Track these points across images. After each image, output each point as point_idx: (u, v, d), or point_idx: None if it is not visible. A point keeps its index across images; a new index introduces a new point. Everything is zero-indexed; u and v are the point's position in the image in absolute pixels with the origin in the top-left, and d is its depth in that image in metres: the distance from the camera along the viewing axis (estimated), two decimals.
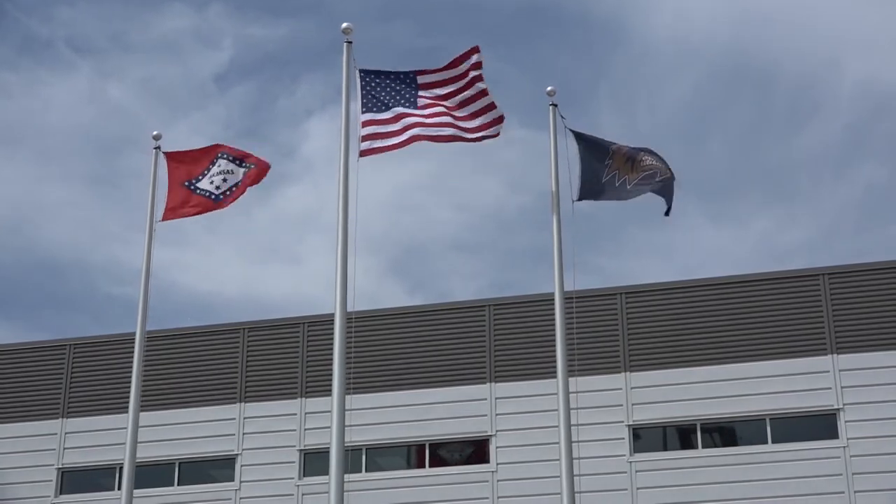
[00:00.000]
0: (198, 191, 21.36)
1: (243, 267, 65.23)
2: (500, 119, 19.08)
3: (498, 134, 19.13)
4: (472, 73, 19.11)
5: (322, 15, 70.36)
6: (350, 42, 19.10)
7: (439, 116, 18.92)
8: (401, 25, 69.86)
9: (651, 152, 20.79)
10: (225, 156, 21.44)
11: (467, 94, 19.09)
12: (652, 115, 66.77)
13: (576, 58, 69.98)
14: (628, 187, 20.59)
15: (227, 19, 72.45)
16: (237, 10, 72.49)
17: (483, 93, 19.09)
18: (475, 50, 19.24)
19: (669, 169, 20.92)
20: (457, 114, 19.01)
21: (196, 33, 72.37)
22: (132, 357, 21.47)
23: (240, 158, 21.42)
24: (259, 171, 21.24)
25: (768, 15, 63.08)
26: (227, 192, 21.23)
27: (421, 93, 19.06)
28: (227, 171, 21.31)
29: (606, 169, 20.45)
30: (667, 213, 21.37)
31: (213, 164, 21.43)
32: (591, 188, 20.44)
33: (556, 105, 20.74)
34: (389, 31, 67.16)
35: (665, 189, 21.13)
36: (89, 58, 73.04)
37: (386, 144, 18.66)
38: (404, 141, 18.75)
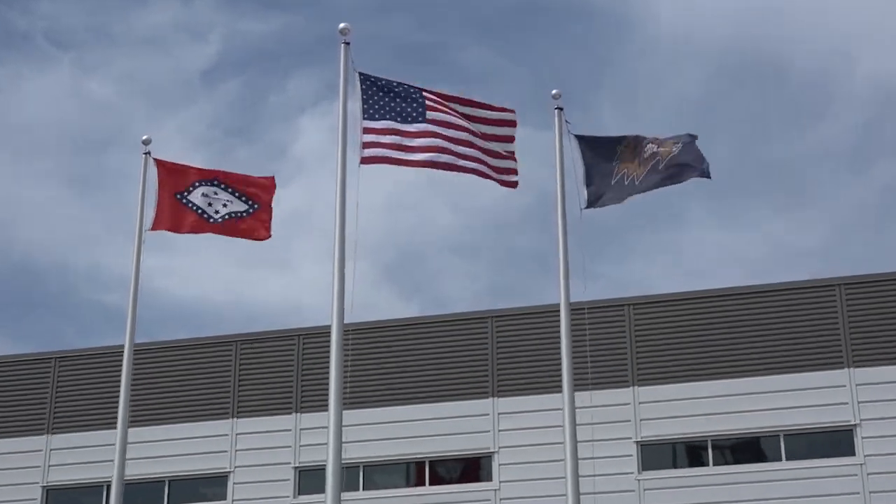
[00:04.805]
0: (189, 204, 21.41)
1: (231, 271, 65.22)
2: (515, 171, 19.33)
3: (516, 183, 19.36)
4: (501, 126, 19.32)
5: (315, 8, 70.43)
6: (348, 43, 19.11)
7: (457, 144, 18.97)
8: (397, 20, 69.95)
9: (655, 138, 20.66)
10: (220, 185, 21.52)
11: (487, 129, 19.24)
12: (656, 111, 66.83)
13: (577, 52, 70.09)
14: (637, 183, 20.48)
15: (214, 12, 72.47)
16: (225, 3, 72.55)
17: (507, 139, 19.30)
18: (505, 110, 19.46)
19: (680, 141, 20.67)
20: (476, 142, 19.12)
21: (182, 26, 72.40)
22: (120, 371, 21.45)
23: (239, 191, 21.49)
24: (261, 220, 21.34)
25: (777, 6, 63.14)
26: (227, 217, 21.32)
27: (429, 103, 19.08)
28: (227, 201, 21.43)
29: (615, 171, 20.42)
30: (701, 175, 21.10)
31: (207, 183, 21.50)
32: (599, 194, 20.41)
33: (561, 109, 20.76)
34: (386, 25, 67.24)
35: (672, 174, 20.91)
36: (70, 51, 73.07)
37: (391, 156, 18.69)
38: (406, 160, 18.78)
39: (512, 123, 19.50)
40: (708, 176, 20.80)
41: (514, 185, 19.47)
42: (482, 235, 65.25)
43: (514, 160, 19.43)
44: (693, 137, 20.95)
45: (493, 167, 19.27)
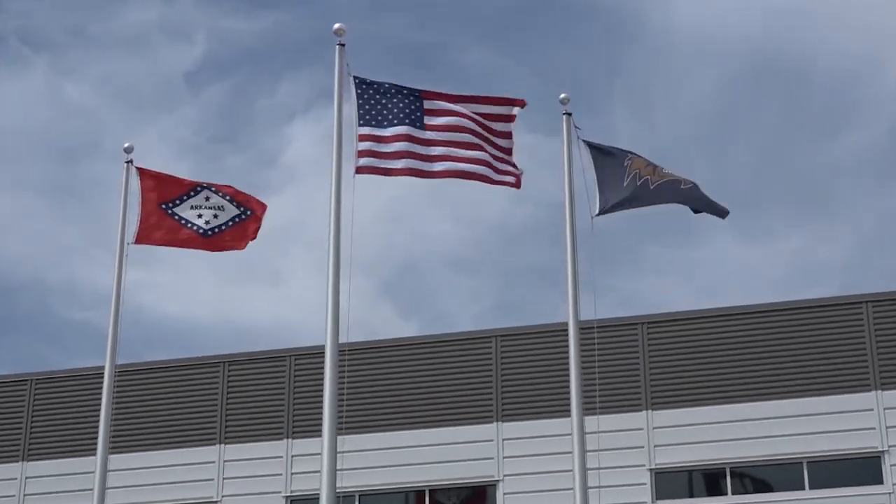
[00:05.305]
0: (177, 217, 21.41)
1: (219, 287, 65.05)
2: (517, 173, 19.32)
3: (518, 183, 19.31)
4: (499, 123, 19.31)
5: (308, 6, 70.32)
6: (343, 45, 19.10)
7: (457, 148, 18.95)
8: (395, 19, 69.89)
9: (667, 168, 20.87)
10: (212, 189, 21.56)
11: (485, 126, 19.23)
12: (671, 117, 66.69)
13: (586, 54, 69.99)
14: (651, 187, 20.54)
15: (199, 10, 72.33)
16: (211, 1, 72.48)
17: (505, 135, 19.30)
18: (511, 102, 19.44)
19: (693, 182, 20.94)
20: (479, 143, 19.09)
21: (164, 26, 72.19)
22: (100, 393, 21.46)
23: (230, 195, 21.52)
24: (254, 222, 21.37)
25: (801, 6, 63.03)
26: (218, 230, 21.34)
27: (427, 106, 19.07)
28: (218, 207, 21.43)
29: (626, 171, 20.41)
30: (696, 212, 21.39)
31: (196, 192, 21.51)
32: (611, 198, 20.36)
33: (570, 114, 20.72)
34: (382, 25, 67.17)
35: (691, 195, 21.10)
36: (45, 53, 72.94)
37: (386, 167, 18.69)
38: (406, 170, 18.77)
39: (510, 118, 19.46)
40: (723, 216, 21.16)
41: (516, 184, 19.39)
42: (486, 249, 65.12)
43: (511, 155, 19.39)
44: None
45: (497, 169, 19.24)
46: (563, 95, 20.88)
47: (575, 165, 20.48)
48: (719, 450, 28.52)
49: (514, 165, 19.38)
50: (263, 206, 21.74)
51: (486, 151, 19.14)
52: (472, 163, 19.02)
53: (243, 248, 21.57)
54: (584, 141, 20.64)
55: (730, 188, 59.94)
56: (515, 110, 19.48)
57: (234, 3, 71.58)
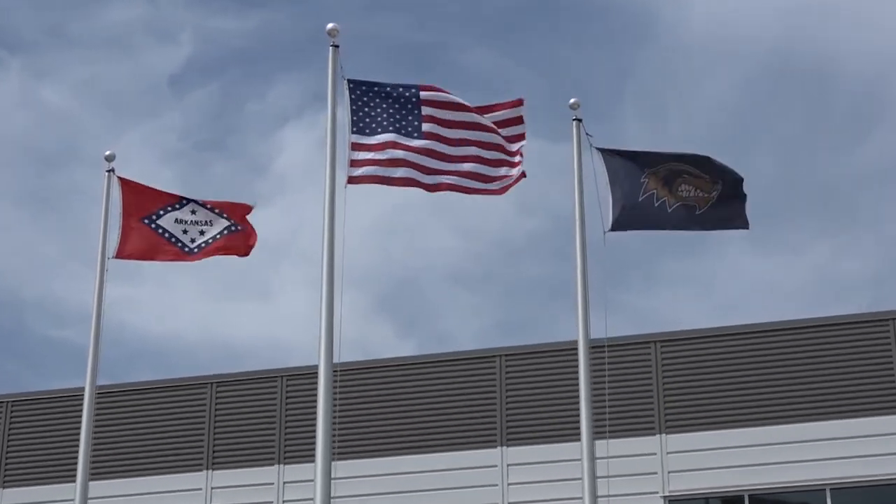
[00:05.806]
0: (160, 230, 21.44)
1: (205, 304, 64.98)
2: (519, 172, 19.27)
3: (509, 185, 19.29)
4: (507, 117, 19.29)
5: (301, 5, 70.30)
6: (336, 46, 19.08)
7: (454, 162, 18.93)
8: (392, 18, 69.95)
9: (690, 172, 20.71)
10: (198, 203, 21.61)
11: (488, 132, 19.20)
12: (686, 122, 66.55)
13: (593, 55, 69.96)
14: (669, 210, 20.49)
15: (185, 9, 72.27)
16: None
17: (513, 139, 19.27)
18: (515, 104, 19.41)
19: (720, 179, 20.84)
20: (477, 154, 19.07)
21: (148, 26, 72.17)
22: (80, 416, 21.44)
23: (218, 209, 21.57)
24: (245, 237, 21.46)
25: (825, 4, 63.03)
26: (205, 244, 21.41)
27: (425, 111, 19.03)
28: (205, 222, 21.47)
29: (642, 188, 20.37)
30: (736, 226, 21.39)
31: (181, 205, 21.55)
32: (625, 215, 20.33)
33: (580, 120, 20.68)
34: (379, 24, 67.22)
35: (707, 218, 21.06)
36: (20, 55, 72.88)
37: (380, 175, 18.69)
38: (403, 179, 18.77)
39: (519, 120, 19.41)
40: (745, 227, 21.18)
41: (505, 189, 19.32)
42: (489, 263, 65.06)
43: (521, 155, 19.30)
44: (736, 180, 21.03)
45: (494, 178, 19.18)
46: (572, 101, 20.86)
47: (586, 174, 20.44)
48: (737, 476, 28.42)
49: (513, 165, 19.27)
50: (247, 209, 21.74)
51: (486, 162, 19.10)
52: (467, 177, 19.01)
53: (244, 256, 21.63)
54: (597, 148, 20.60)
55: (748, 197, 59.71)
56: (520, 111, 19.42)
57: (222, 2, 71.61)
